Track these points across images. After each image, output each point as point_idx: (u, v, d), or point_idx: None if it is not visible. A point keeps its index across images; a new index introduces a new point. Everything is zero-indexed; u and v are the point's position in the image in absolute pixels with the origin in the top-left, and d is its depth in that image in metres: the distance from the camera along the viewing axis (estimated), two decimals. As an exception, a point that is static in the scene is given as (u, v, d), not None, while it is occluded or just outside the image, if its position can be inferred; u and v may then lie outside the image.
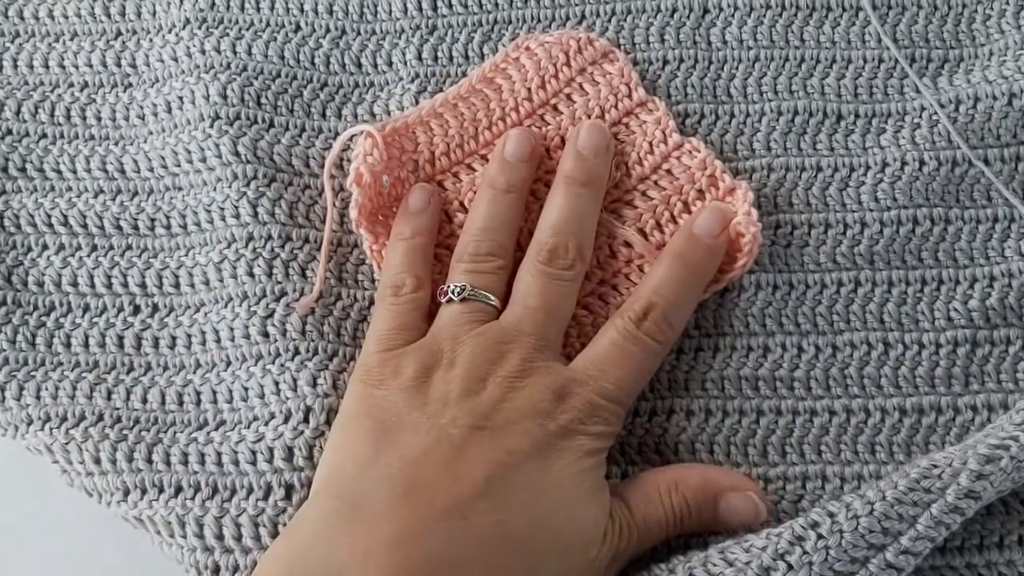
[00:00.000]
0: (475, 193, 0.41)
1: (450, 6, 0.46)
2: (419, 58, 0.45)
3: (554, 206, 0.39)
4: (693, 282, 0.38)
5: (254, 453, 0.37)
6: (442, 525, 0.31)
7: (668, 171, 0.41)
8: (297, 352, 0.38)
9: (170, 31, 0.46)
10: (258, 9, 0.46)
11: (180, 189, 0.43)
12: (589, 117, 0.42)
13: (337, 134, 0.44)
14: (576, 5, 0.46)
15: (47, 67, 0.46)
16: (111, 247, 0.42)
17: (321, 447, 0.37)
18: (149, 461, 0.38)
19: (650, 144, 0.42)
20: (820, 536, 0.32)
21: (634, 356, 0.37)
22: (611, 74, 0.43)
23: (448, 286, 0.38)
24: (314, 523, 0.33)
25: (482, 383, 0.35)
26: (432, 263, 0.40)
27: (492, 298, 0.38)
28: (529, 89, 0.43)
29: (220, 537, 0.36)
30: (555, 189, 0.40)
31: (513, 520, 0.32)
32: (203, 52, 0.45)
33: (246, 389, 0.39)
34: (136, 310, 0.41)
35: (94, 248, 0.42)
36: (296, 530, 0.33)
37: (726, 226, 0.39)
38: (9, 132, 0.44)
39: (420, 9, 0.46)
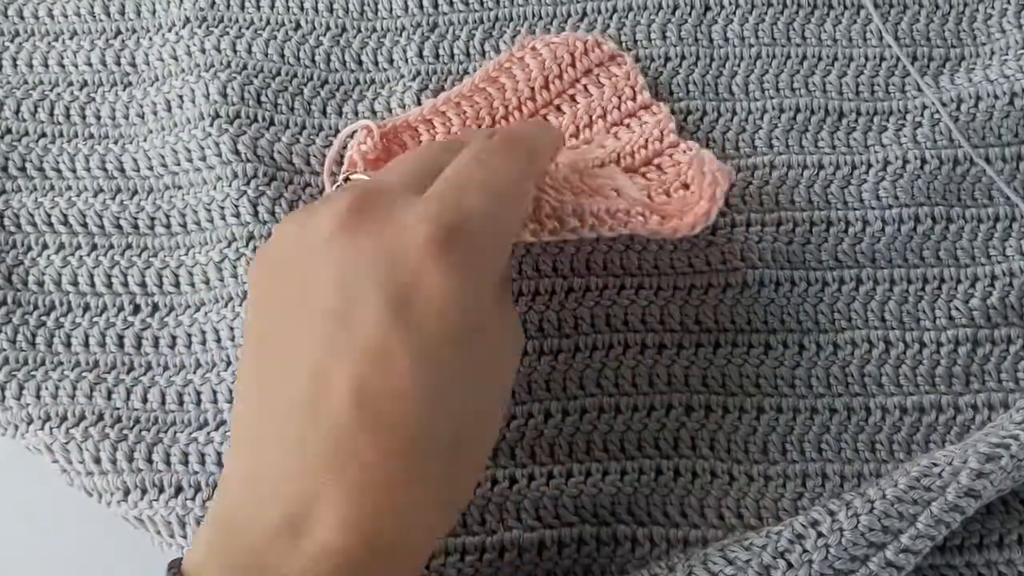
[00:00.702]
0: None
1: (451, 3, 0.46)
2: (420, 55, 0.45)
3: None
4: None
5: (254, 452, 0.37)
6: (341, 500, 0.27)
7: (658, 166, 0.42)
8: (297, 351, 0.38)
9: (170, 30, 0.46)
10: (258, 7, 0.46)
11: (180, 188, 0.43)
12: (591, 118, 0.42)
13: (337, 131, 0.43)
14: (577, 2, 0.46)
15: (47, 66, 0.46)
16: (111, 246, 0.42)
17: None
18: (149, 461, 0.38)
19: (645, 140, 0.42)
20: (820, 534, 0.32)
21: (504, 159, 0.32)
22: (617, 76, 0.43)
23: None
24: (240, 520, 0.28)
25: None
26: None
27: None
28: (532, 89, 0.43)
29: (220, 537, 0.36)
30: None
31: (397, 432, 0.28)
32: (203, 51, 0.45)
33: (246, 388, 0.39)
34: (136, 309, 0.41)
35: (94, 247, 0.42)
36: (228, 530, 0.28)
37: None
38: (9, 131, 0.44)
39: (421, 6, 0.46)
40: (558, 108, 0.43)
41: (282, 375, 0.28)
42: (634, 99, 0.43)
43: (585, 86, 0.43)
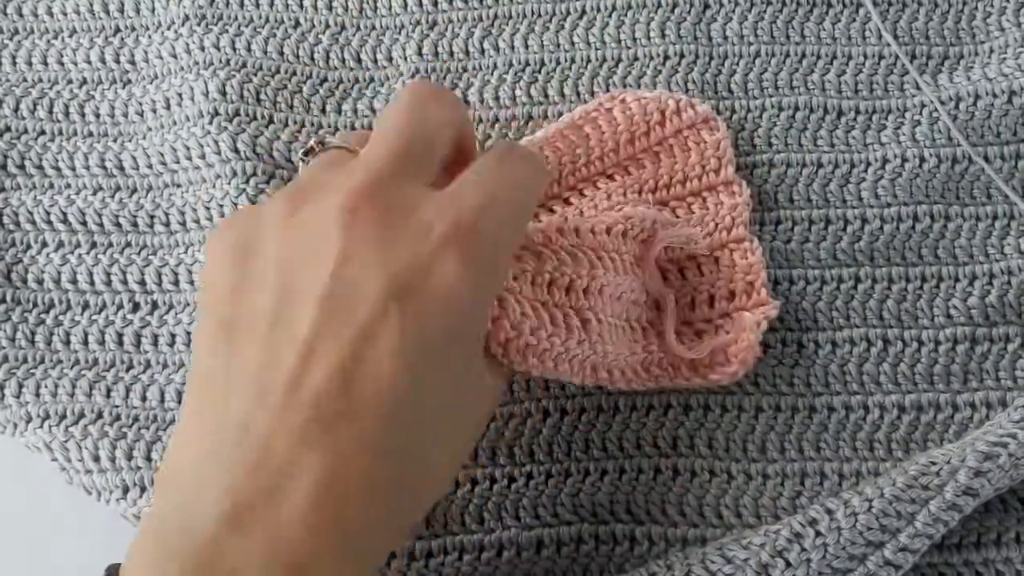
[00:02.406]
0: (546, 235, 0.34)
1: (450, 1, 0.46)
2: (419, 53, 0.45)
3: None
4: None
5: (253, 450, 0.37)
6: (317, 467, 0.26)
7: (716, 259, 0.39)
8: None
9: (169, 27, 0.46)
10: (257, 5, 0.46)
11: (179, 186, 0.43)
12: (671, 180, 0.40)
13: (337, 129, 0.43)
14: (577, 0, 0.46)
15: (46, 64, 0.46)
16: (110, 244, 0.42)
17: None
18: (148, 459, 0.38)
19: (715, 226, 0.39)
20: (818, 533, 0.32)
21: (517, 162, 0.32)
22: (706, 143, 0.41)
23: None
24: None
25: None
26: None
27: (353, 145, 0.33)
28: (617, 142, 0.40)
29: (219, 535, 0.36)
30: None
31: (371, 410, 0.27)
32: (202, 48, 0.45)
33: (245, 386, 0.39)
34: (135, 307, 0.41)
35: (93, 245, 0.42)
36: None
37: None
38: (8, 129, 0.44)
39: (420, 4, 0.46)
40: (639, 162, 0.40)
41: (257, 354, 0.27)
42: (718, 172, 0.40)
43: (671, 146, 0.41)
